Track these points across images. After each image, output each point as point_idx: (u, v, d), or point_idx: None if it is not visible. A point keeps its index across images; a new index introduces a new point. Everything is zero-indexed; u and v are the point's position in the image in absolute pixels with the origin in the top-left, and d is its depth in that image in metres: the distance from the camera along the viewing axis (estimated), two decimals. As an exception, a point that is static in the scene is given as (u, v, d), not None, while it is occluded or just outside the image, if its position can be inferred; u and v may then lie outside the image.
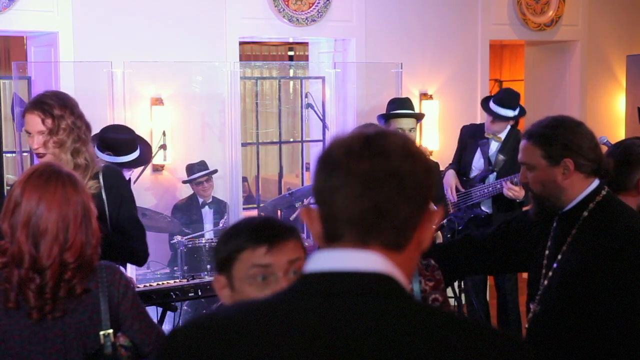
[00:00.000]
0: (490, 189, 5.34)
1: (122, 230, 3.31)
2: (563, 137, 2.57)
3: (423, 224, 1.32)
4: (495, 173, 5.41)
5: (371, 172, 1.27)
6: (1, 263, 2.30)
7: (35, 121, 3.18)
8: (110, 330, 2.31)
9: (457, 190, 5.47)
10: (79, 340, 2.30)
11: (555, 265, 2.61)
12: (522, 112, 5.56)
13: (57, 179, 2.32)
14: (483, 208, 5.44)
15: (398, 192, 1.27)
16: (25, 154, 5.75)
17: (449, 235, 5.17)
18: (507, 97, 5.47)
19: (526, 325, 2.68)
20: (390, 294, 1.27)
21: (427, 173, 1.31)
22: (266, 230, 1.97)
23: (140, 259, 3.45)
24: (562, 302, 2.55)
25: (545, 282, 2.63)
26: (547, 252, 2.67)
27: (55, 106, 3.18)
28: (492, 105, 5.43)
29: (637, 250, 2.47)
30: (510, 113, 5.41)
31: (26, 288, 2.26)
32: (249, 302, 1.38)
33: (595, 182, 2.60)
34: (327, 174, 1.30)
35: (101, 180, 3.24)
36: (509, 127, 5.53)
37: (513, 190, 5.16)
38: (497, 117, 5.40)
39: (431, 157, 6.24)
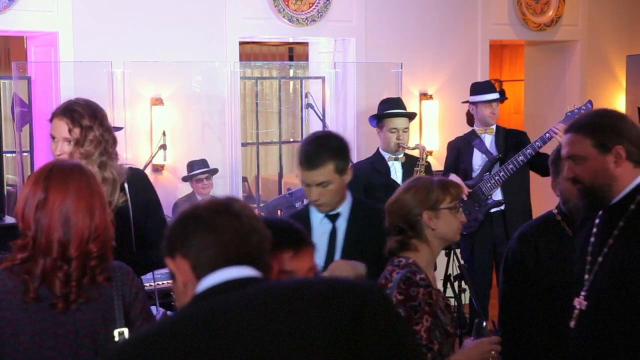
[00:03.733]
0: (502, 174, 5.36)
1: (149, 236, 3.25)
2: (613, 125, 2.54)
3: (273, 267, 1.78)
4: (498, 162, 5.43)
5: (240, 227, 1.64)
6: (21, 259, 2.31)
7: (62, 127, 3.12)
8: (125, 329, 2.32)
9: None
10: (90, 337, 2.31)
11: (600, 259, 2.55)
12: (503, 94, 5.72)
13: (79, 171, 2.36)
14: (494, 198, 5.45)
15: (261, 243, 1.67)
16: (25, 154, 5.75)
17: (464, 234, 5.19)
18: (485, 85, 5.64)
19: (573, 323, 2.60)
20: (254, 284, 1.62)
21: (269, 233, 1.72)
22: (291, 235, 1.94)
23: (164, 266, 3.42)
24: (614, 298, 2.50)
25: (591, 277, 2.57)
26: (590, 247, 2.61)
27: (85, 116, 3.11)
28: (472, 98, 5.58)
29: None
30: (497, 95, 5.57)
31: (53, 277, 2.27)
32: (173, 315, 1.69)
33: None
34: (201, 231, 1.64)
35: (126, 189, 3.19)
36: (495, 124, 5.63)
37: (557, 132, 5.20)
38: (485, 102, 5.52)
39: (431, 157, 6.24)
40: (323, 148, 3.04)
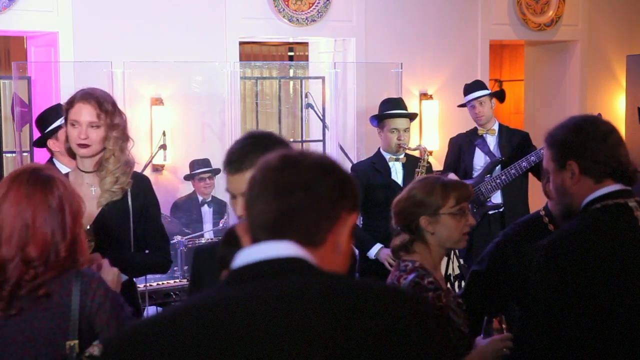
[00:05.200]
0: (503, 177, 5.34)
1: (146, 240, 3.30)
2: (564, 137, 2.33)
3: (336, 229, 1.47)
4: (500, 164, 5.43)
5: (281, 182, 1.44)
6: None
7: (88, 112, 3.12)
8: (76, 341, 2.26)
9: None
10: (48, 347, 2.28)
11: None
12: (500, 93, 5.72)
13: (22, 177, 2.34)
14: (493, 201, 5.45)
15: (306, 201, 1.43)
16: (25, 154, 5.74)
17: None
18: (471, 84, 5.65)
19: None
20: (301, 271, 1.42)
21: (339, 185, 1.47)
22: None
23: (162, 270, 3.51)
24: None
25: None
26: None
27: (109, 102, 3.17)
28: (466, 98, 5.58)
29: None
30: (484, 92, 5.55)
31: None
32: (185, 301, 1.54)
33: (608, 188, 2.30)
34: (250, 188, 1.48)
35: (128, 190, 3.22)
36: (497, 122, 5.58)
37: None
38: (476, 99, 5.51)
39: (431, 157, 6.24)
40: (255, 148, 2.29)
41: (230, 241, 1.96)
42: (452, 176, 5.41)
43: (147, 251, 3.34)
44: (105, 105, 3.14)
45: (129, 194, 3.21)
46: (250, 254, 1.45)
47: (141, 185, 3.28)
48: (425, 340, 1.41)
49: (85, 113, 3.12)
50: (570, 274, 2.21)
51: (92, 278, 2.34)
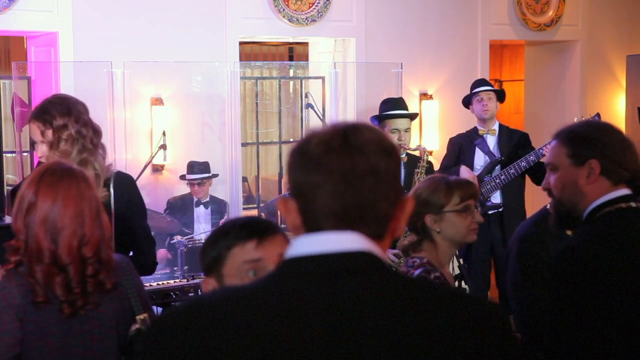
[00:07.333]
0: (503, 177, 5.35)
1: (132, 241, 3.20)
2: (592, 136, 2.28)
3: (397, 215, 1.37)
4: (500, 164, 5.44)
5: (352, 170, 1.31)
6: (14, 262, 2.33)
7: (35, 131, 3.05)
8: (146, 315, 2.39)
9: None
10: (115, 327, 2.38)
11: None
12: (501, 92, 5.72)
13: (70, 176, 2.36)
14: (493, 201, 5.46)
15: (376, 189, 1.32)
16: (25, 154, 5.74)
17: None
18: (480, 80, 5.68)
19: None
20: (373, 270, 1.32)
21: (397, 167, 1.38)
22: (253, 226, 1.98)
23: (147, 272, 3.38)
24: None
25: None
26: None
27: (57, 116, 3.00)
28: (474, 90, 5.60)
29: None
30: (488, 87, 5.57)
31: (52, 282, 2.29)
32: (234, 287, 1.43)
33: (622, 192, 2.26)
34: (307, 170, 1.33)
35: (111, 189, 3.10)
36: (497, 122, 5.61)
37: None
38: (480, 94, 5.52)
39: (430, 157, 6.25)
40: None
41: (214, 243, 1.99)
42: (463, 171, 5.38)
43: (131, 253, 3.23)
44: (50, 121, 3.00)
45: (111, 194, 3.11)
46: (312, 243, 1.33)
47: (124, 186, 3.18)
48: (500, 349, 1.35)
49: (34, 133, 3.07)
50: (598, 280, 2.14)
51: (128, 259, 2.51)
